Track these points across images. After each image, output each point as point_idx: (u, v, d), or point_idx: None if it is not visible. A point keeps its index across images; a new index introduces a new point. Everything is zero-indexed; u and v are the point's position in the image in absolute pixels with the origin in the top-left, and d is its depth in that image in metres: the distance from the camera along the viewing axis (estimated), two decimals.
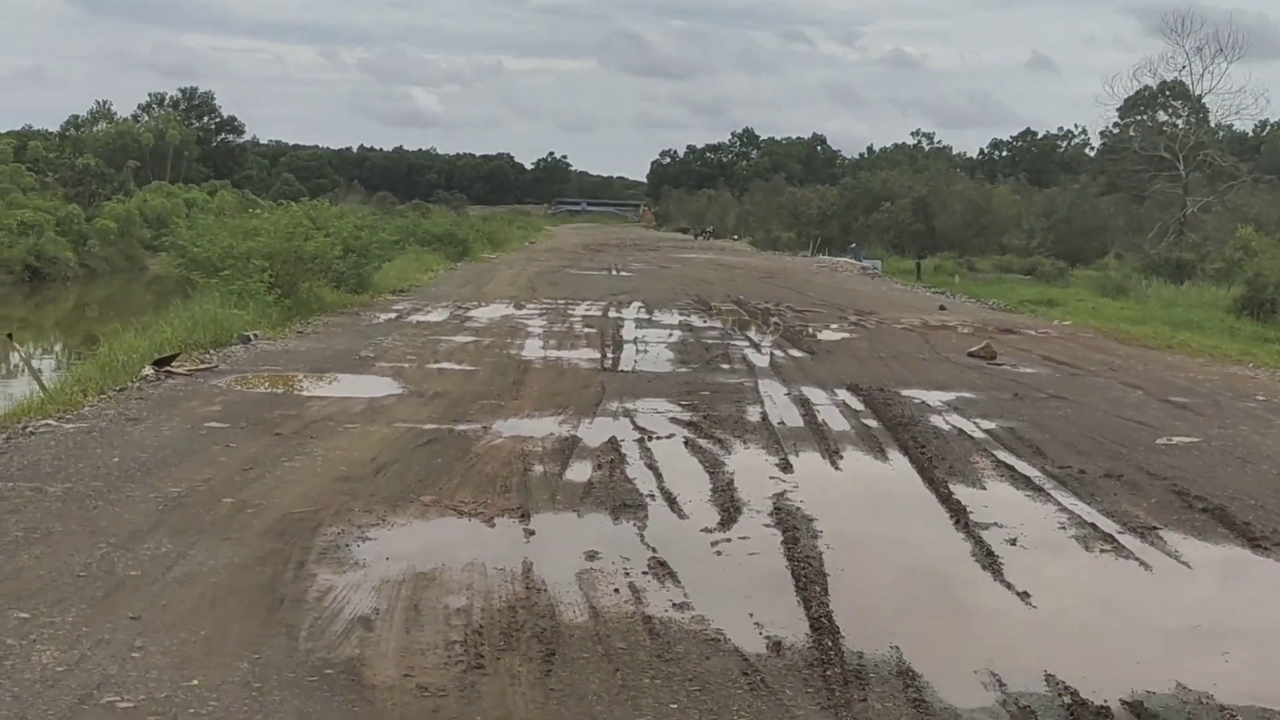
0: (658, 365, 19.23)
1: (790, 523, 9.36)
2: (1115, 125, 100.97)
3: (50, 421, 12.31)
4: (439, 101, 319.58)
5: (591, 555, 8.32)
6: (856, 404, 15.72)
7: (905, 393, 16.76)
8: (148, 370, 16.00)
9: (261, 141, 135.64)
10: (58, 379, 17.48)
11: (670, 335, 23.89)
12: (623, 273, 46.20)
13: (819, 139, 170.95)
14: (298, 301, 25.16)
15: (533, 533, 8.91)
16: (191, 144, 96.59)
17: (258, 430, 12.30)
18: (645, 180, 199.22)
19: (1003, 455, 12.49)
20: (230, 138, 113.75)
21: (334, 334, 22.02)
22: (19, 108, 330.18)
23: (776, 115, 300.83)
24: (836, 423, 14.22)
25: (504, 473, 10.79)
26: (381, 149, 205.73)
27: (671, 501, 9.96)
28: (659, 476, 10.83)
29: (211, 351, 18.89)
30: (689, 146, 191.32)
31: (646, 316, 27.91)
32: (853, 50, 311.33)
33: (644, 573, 7.98)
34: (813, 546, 8.73)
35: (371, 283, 31.27)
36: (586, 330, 24.20)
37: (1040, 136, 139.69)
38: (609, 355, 20.11)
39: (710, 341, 22.94)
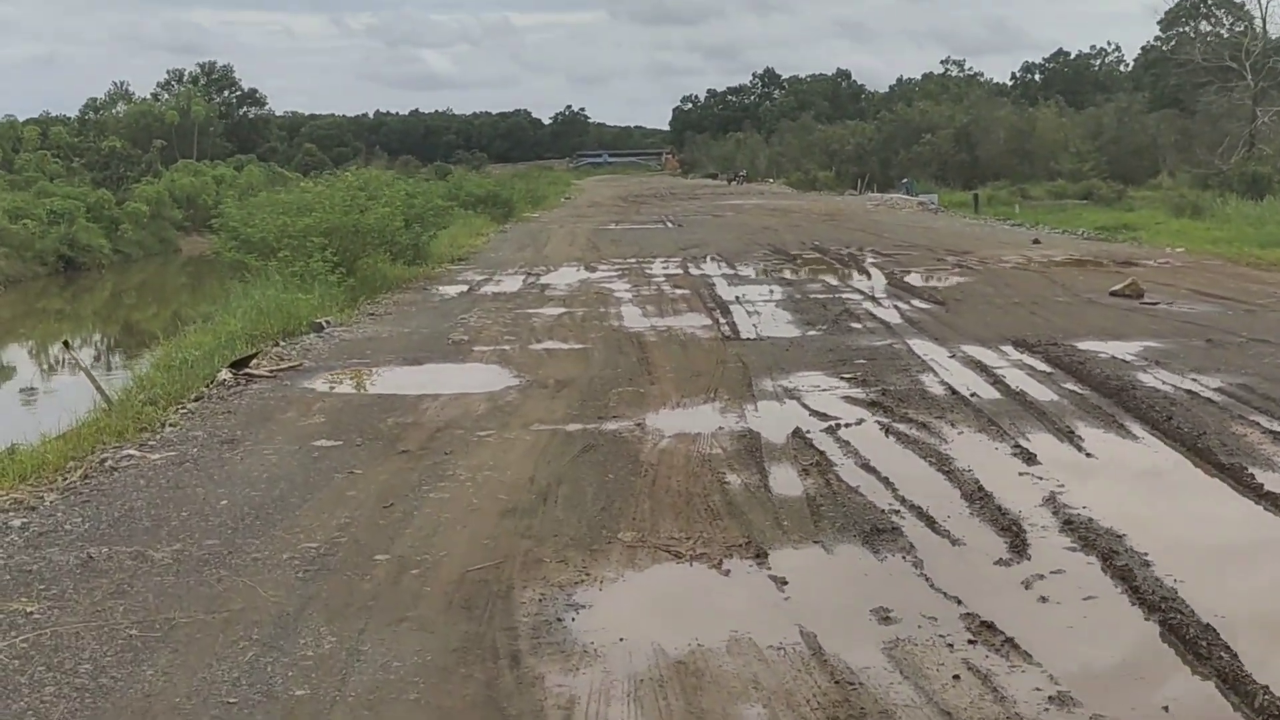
0: (781, 328, 17.19)
1: (1100, 544, 7.30)
2: (1158, 39, 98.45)
3: (132, 451, 10.32)
4: (450, 62, 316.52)
5: (884, 616, 6.29)
6: (1039, 364, 13.66)
7: (1083, 346, 14.67)
8: (224, 374, 14.00)
9: (278, 113, 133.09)
10: (119, 386, 15.41)
11: (771, 292, 21.81)
12: (678, 224, 43.98)
13: (844, 74, 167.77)
14: (361, 280, 23.12)
15: (784, 581, 6.87)
16: (215, 119, 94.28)
17: (378, 447, 10.29)
18: (666, 128, 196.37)
19: (1268, 423, 10.38)
20: (252, 110, 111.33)
21: (410, 314, 19.99)
22: (35, 95, 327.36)
23: (791, 54, 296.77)
24: (1036, 391, 12.14)
25: (696, 489, 8.76)
26: (397, 113, 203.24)
27: (928, 520, 7.90)
28: (887, 483, 8.78)
29: (283, 343, 16.91)
30: (710, 91, 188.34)
31: (732, 271, 25.81)
32: None
33: (970, 641, 5.94)
34: (1155, 580, 6.66)
35: (429, 252, 29.12)
36: (678, 292, 22.13)
37: (1073, 57, 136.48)
38: (721, 320, 18.04)
39: (819, 296, 20.85)
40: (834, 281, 23.37)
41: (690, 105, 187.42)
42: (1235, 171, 50.60)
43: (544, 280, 25.04)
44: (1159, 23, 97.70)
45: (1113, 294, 19.78)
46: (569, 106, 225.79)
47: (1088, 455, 9.63)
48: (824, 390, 12.43)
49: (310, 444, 10.47)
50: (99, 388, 14.68)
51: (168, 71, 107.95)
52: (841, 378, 13.08)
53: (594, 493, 8.71)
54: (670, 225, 43.77)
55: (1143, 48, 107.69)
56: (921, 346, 15.12)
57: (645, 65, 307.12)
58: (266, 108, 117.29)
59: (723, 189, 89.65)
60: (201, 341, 17.08)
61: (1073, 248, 30.62)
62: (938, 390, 12.29)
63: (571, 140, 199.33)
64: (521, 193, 59.36)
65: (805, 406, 11.63)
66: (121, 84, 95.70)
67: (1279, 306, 18.01)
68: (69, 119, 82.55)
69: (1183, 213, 41.14)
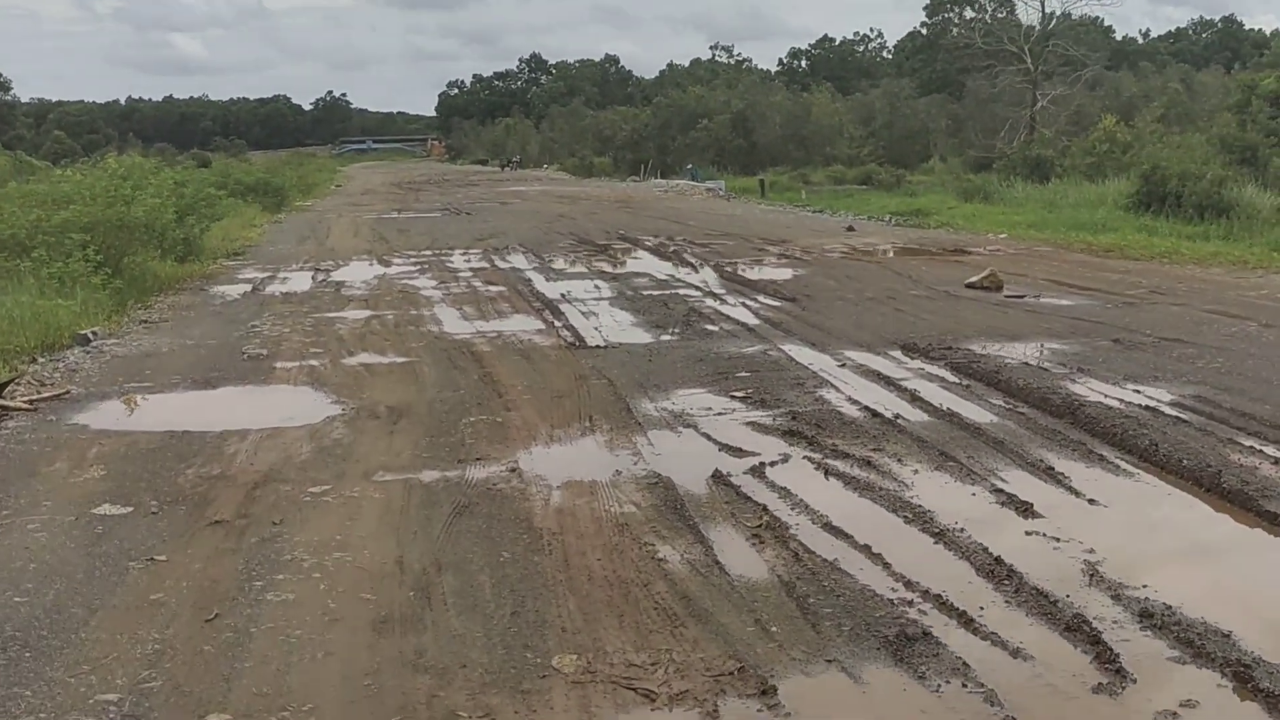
0: (629, 333, 15.13)
1: (1212, 650, 5.43)
2: (924, 24, 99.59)
3: None
4: (203, 46, 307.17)
5: None
6: (946, 374, 11.92)
7: (980, 350, 13.00)
8: None
9: (23, 100, 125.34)
10: None
11: (597, 288, 19.72)
12: (465, 213, 41.48)
13: (612, 60, 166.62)
14: (129, 281, 20.21)
15: None
16: None
17: (181, 515, 7.84)
18: (429, 114, 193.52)
19: (1269, 449, 8.70)
20: None
21: (190, 320, 17.31)
22: None
23: (551, 40, 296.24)
24: (966, 409, 10.32)
25: (629, 572, 6.61)
26: (150, 99, 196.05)
27: (961, 617, 5.91)
28: (870, 554, 6.78)
29: (43, 360, 14.16)
30: (476, 76, 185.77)
31: (542, 264, 23.63)
32: None
33: None
34: None
35: (201, 247, 26.09)
36: (493, 289, 19.88)
37: (838, 43, 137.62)
38: (556, 323, 15.91)
39: (653, 293, 18.84)
40: (660, 275, 21.38)
41: (456, 91, 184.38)
42: (1019, 155, 50.34)
43: (336, 277, 22.48)
44: (925, 8, 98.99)
45: (970, 286, 18.27)
46: (330, 92, 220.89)
47: (1091, 502, 7.75)
48: (720, 414, 10.37)
49: (91, 511, 7.96)
50: None
51: None
52: (731, 396, 11.06)
53: (493, 585, 6.47)
54: (457, 214, 41.28)
55: (910, 33, 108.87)
56: (800, 353, 13.22)
57: (403, 50, 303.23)
58: (11, 93, 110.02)
59: (498, 175, 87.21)
60: None
61: (890, 235, 29.32)
62: (852, 411, 10.35)
63: (334, 126, 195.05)
64: (293, 181, 55.99)
65: (708, 437, 9.56)
66: None
67: (1154, 298, 16.69)
68: None
69: (971, 197, 40.74)
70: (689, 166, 65.37)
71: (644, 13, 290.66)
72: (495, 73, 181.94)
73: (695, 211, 39.74)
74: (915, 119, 77.49)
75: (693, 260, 23.54)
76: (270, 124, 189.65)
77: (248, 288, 21.14)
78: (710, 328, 15.25)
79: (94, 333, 15.75)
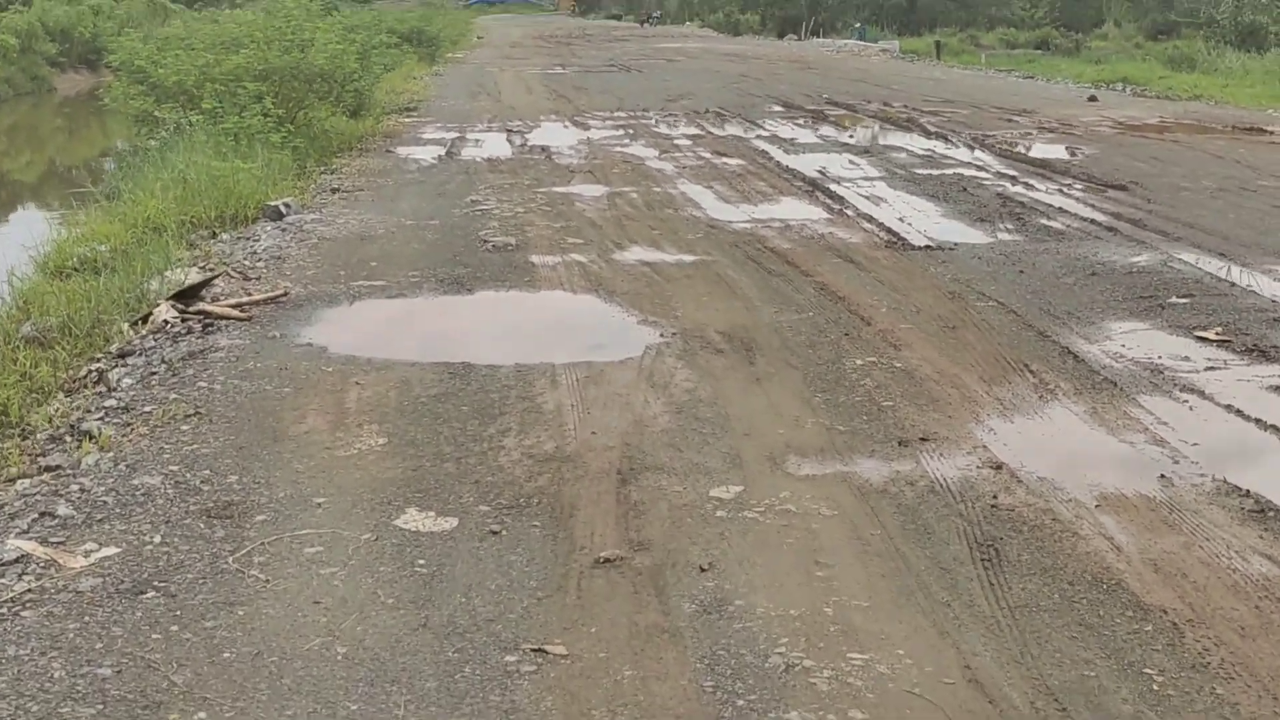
0: (950, 229, 12.24)
1: None
2: None
3: (23, 545, 4.91)
4: None
5: None
6: None
7: None
8: (166, 310, 8.53)
9: None
10: None
11: (855, 164, 16.64)
12: (634, 70, 38.08)
13: None
14: (308, 139, 17.45)
15: None
16: None
17: (539, 538, 5.02)
18: None
19: None
20: None
21: (390, 191, 14.53)
22: None
23: None
24: None
25: None
26: None
27: None
28: None
29: (227, 238, 11.57)
30: None
31: (765, 133, 20.49)
32: None
33: None
34: None
35: (371, 101, 23.11)
36: (730, 162, 16.87)
37: None
38: (846, 212, 12.95)
39: (929, 172, 15.82)
40: (916, 150, 18.16)
41: None
42: (1229, 21, 46.07)
43: (535, 140, 19.51)
44: None
45: None
46: None
47: None
48: (1212, 369, 7.38)
49: (393, 524, 5.15)
50: None
51: None
52: (1198, 337, 8.03)
53: None
54: (626, 70, 37.94)
55: None
56: (1216, 267, 10.09)
57: None
58: None
59: (644, 32, 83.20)
60: (109, 232, 11.62)
61: (1143, 108, 25.68)
62: None
63: None
64: (445, 30, 52.85)
65: (1240, 414, 6.55)
66: None
67: None
68: None
69: (1179, 66, 37.25)
70: (858, 25, 61.27)
71: None
72: None
73: (887, 75, 36.10)
74: None
75: (939, 132, 20.25)
76: None
77: (440, 150, 18.28)
78: (1050, 224, 12.15)
79: (286, 205, 13.02)
